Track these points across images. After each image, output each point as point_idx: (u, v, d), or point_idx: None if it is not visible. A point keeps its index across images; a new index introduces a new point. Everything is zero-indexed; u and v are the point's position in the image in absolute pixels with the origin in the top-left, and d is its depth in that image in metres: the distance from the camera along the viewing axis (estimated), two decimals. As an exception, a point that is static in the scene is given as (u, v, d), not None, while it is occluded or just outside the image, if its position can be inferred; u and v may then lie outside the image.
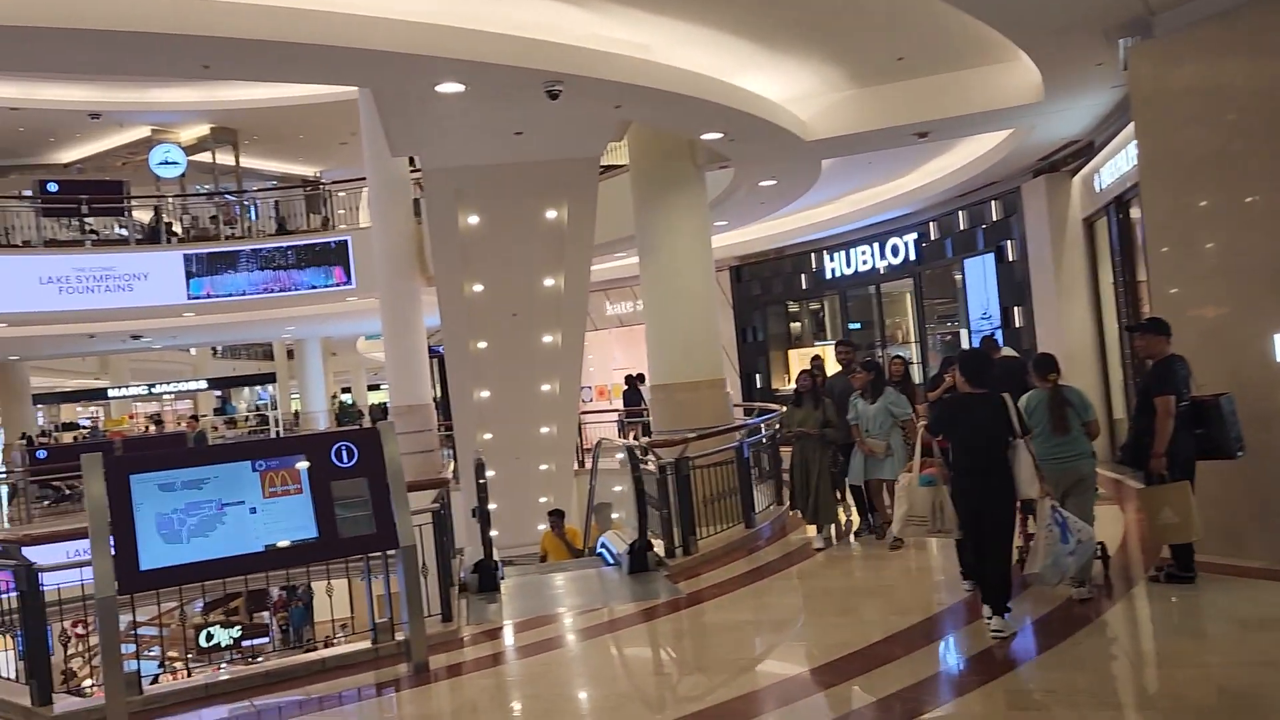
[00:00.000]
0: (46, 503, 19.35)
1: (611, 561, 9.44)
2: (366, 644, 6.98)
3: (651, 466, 9.26)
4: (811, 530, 9.42)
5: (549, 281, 12.68)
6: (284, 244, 19.37)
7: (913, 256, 17.67)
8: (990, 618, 6.05)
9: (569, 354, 13.65)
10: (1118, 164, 10.97)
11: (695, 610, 7.65)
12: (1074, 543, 6.16)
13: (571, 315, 13.29)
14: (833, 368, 10.67)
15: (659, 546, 9.05)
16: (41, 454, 20.43)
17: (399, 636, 6.87)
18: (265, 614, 21.60)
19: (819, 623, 7.05)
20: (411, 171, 16.91)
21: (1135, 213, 11.05)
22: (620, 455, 12.37)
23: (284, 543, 6.18)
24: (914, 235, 17.56)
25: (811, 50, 9.55)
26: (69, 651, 17.49)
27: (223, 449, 6.97)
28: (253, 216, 22.52)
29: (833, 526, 9.21)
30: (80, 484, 15.96)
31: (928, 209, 16.78)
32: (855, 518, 9.56)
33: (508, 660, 6.85)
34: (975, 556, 6.33)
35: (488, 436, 13.45)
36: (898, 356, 9.42)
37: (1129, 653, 5.97)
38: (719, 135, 10.01)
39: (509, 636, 7.36)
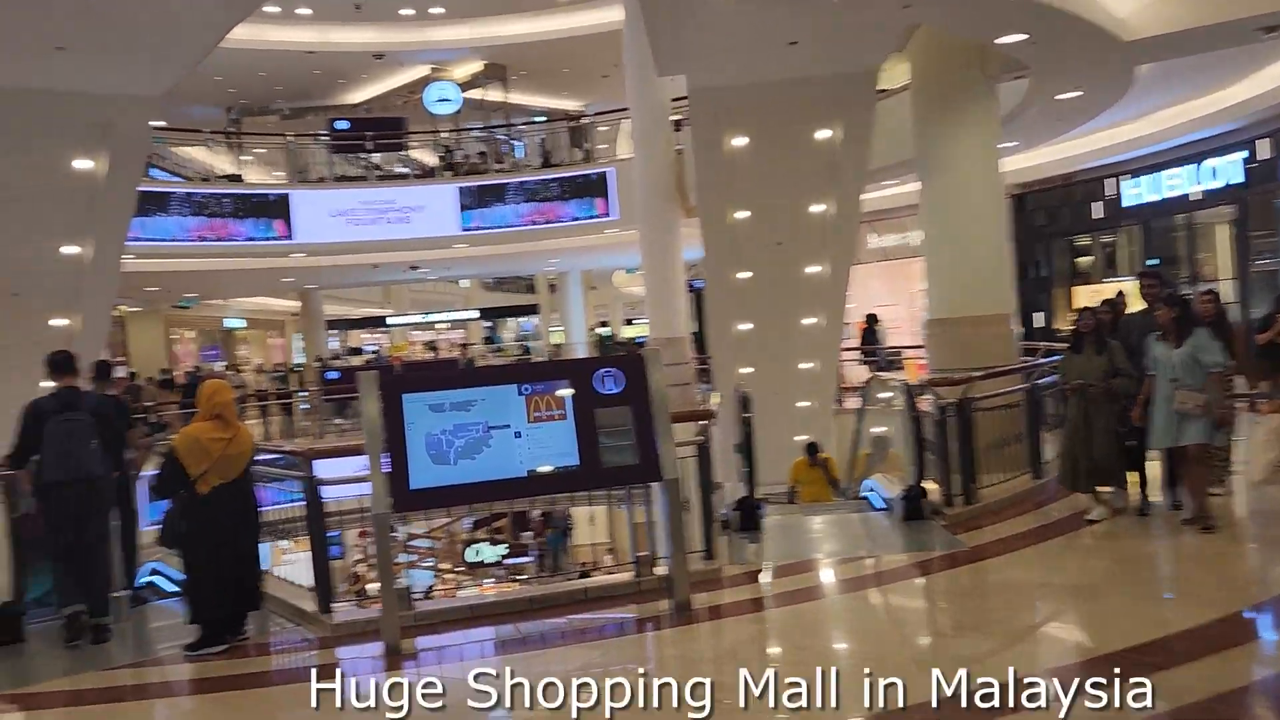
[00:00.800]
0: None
1: (880, 506, 8.80)
2: (628, 576, 6.80)
3: (927, 406, 8.46)
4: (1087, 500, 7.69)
5: (818, 208, 11.97)
6: (548, 177, 19.79)
7: (1236, 180, 15.36)
8: None
9: (835, 286, 12.94)
10: None
11: (978, 567, 6.89)
12: None
13: (840, 244, 12.54)
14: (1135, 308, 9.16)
15: (934, 493, 8.29)
16: (332, 375, 22.16)
17: (659, 571, 6.64)
18: (528, 534, 22.63)
19: (1132, 593, 6.07)
20: (673, 101, 16.66)
21: None
22: (885, 394, 11.63)
23: (546, 469, 6.02)
24: (1240, 155, 15.23)
25: (1137, -70, 8.19)
26: (355, 558, 19.02)
27: (490, 371, 6.95)
28: (519, 154, 23.21)
29: (1120, 493, 7.55)
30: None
31: (1259, 124, 14.47)
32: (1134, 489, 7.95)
33: (772, 606, 6.45)
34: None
35: (746, 371, 13.05)
36: (1208, 292, 7.73)
37: None
38: (1020, 37, 8.83)
39: (772, 580, 6.93)
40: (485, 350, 32.88)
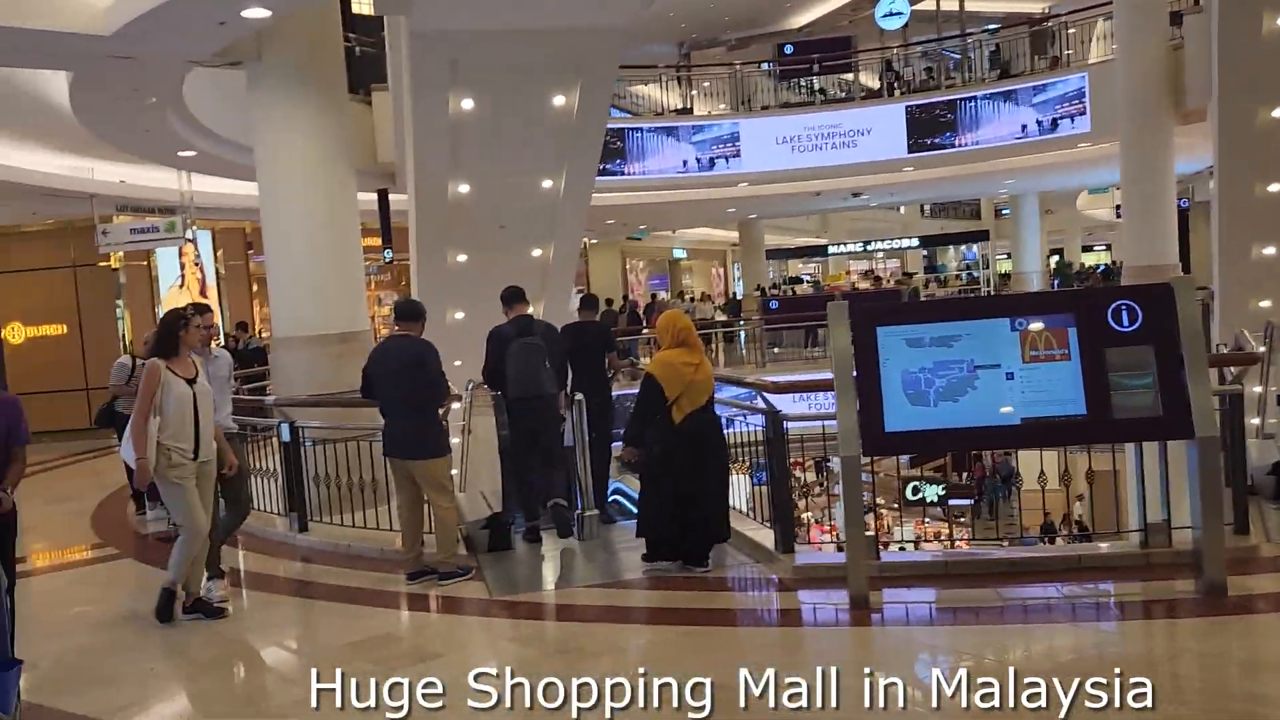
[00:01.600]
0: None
1: None
2: (1132, 546, 5.77)
3: None
4: None
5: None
6: (1007, 88, 17.93)
7: None
8: None
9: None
10: None
11: None
12: None
13: None
14: None
15: None
16: (773, 304, 22.27)
17: (1177, 544, 5.51)
18: (965, 475, 21.39)
19: None
20: (1173, -16, 14.24)
21: None
22: None
23: (1045, 417, 5.13)
24: None
25: None
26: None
27: (978, 303, 6.16)
28: (969, 69, 21.37)
29: None
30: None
31: None
32: None
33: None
34: None
35: (1264, 305, 10.82)
36: None
37: None
38: None
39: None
40: (927, 279, 31.40)
